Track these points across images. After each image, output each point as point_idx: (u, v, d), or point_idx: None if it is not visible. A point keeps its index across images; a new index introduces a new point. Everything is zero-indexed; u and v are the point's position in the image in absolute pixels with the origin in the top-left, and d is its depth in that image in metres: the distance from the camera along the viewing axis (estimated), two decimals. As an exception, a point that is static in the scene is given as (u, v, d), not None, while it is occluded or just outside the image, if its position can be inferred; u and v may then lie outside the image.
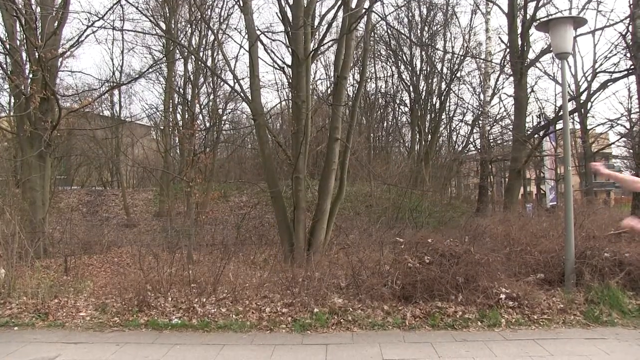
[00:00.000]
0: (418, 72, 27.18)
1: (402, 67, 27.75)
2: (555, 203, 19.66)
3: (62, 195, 23.39)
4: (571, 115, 19.65)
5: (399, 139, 32.03)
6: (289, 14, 11.41)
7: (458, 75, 25.97)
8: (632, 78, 15.09)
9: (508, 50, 18.98)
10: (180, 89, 22.94)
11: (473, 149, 26.96)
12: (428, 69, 26.65)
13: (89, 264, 11.55)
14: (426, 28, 26.91)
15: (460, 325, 5.68)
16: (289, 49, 11.52)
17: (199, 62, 20.61)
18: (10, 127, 17.08)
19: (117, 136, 23.70)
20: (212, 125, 22.04)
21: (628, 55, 13.37)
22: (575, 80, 23.26)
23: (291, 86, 12.29)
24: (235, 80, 12.80)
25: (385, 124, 30.99)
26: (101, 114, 25.37)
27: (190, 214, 14.21)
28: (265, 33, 12.23)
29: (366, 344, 5.24)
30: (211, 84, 23.66)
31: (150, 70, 19.70)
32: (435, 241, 6.77)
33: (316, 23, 12.67)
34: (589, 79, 20.52)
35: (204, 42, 22.07)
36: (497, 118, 23.48)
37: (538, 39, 23.87)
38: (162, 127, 24.52)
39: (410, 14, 26.37)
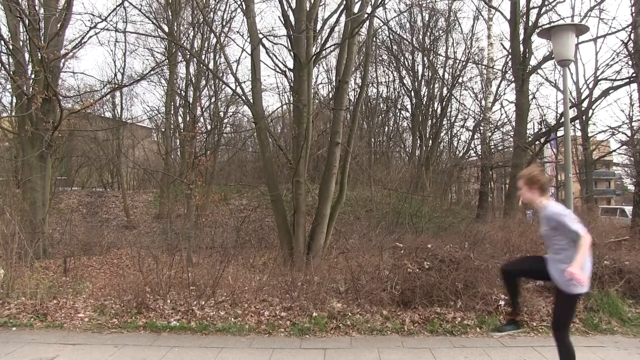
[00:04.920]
0: (420, 78, 27.23)
1: (404, 72, 27.82)
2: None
3: (62, 196, 23.40)
4: (572, 123, 19.68)
5: (400, 144, 32.05)
6: (292, 18, 11.44)
7: (460, 81, 26.05)
8: (634, 86, 15.15)
9: (510, 56, 19.03)
10: (182, 92, 22.93)
11: (474, 154, 27.01)
12: (430, 74, 26.71)
13: (88, 265, 11.53)
14: (428, 33, 26.97)
15: (459, 331, 5.68)
16: (291, 52, 11.54)
17: (201, 65, 20.64)
18: (12, 127, 17.09)
19: (118, 138, 23.70)
20: (213, 128, 22.08)
21: (630, 63, 13.41)
22: (576, 87, 23.33)
23: (293, 90, 12.29)
24: (237, 84, 12.82)
25: (386, 129, 31.03)
26: (102, 115, 25.39)
27: (190, 216, 14.20)
28: (268, 37, 12.25)
29: (365, 348, 5.23)
30: (213, 87, 23.69)
31: (152, 72, 19.71)
32: (435, 247, 6.77)
33: (318, 27, 12.70)
34: (590, 86, 20.56)
35: (206, 45, 22.13)
36: (498, 124, 23.55)
37: (540, 46, 24.01)
38: (163, 129, 24.52)
39: (412, 20, 26.48)
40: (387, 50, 26.88)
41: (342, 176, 11.50)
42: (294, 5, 11.37)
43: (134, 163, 25.47)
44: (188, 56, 20.91)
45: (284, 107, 23.35)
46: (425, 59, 26.10)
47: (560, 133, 16.88)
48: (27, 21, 11.10)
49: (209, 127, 22.48)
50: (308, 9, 11.22)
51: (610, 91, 15.66)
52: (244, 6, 11.83)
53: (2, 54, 12.31)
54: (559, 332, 3.77)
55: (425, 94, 27.33)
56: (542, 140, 18.28)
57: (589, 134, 23.33)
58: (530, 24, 16.69)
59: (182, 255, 9.61)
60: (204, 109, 23.32)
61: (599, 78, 18.12)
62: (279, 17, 12.90)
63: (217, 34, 17.80)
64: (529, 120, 19.71)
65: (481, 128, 23.73)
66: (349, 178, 13.92)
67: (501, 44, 22.86)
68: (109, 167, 28.60)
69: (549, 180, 3.77)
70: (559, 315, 3.84)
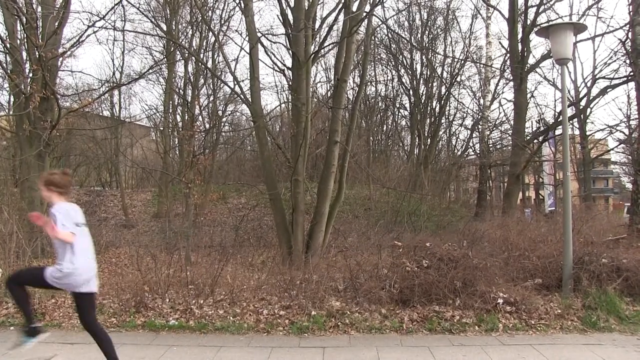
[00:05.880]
0: (418, 76, 27.23)
1: (402, 70, 27.83)
2: (553, 208, 19.69)
3: (60, 195, 23.31)
4: (570, 121, 19.70)
5: (399, 142, 32.09)
6: (290, 17, 11.42)
7: (458, 79, 26.06)
8: (632, 84, 15.11)
9: (508, 55, 19.05)
10: (180, 90, 22.92)
11: (472, 153, 27.04)
12: (428, 73, 26.71)
13: (87, 264, 11.50)
14: (427, 32, 26.98)
15: (458, 329, 5.68)
16: (290, 51, 11.54)
17: (200, 64, 20.62)
18: (10, 126, 17.05)
19: (117, 136, 23.68)
20: (211, 126, 22.04)
21: (627, 61, 13.38)
22: (575, 86, 23.34)
23: (291, 89, 12.30)
24: (236, 82, 12.82)
25: (384, 128, 31.02)
26: (101, 114, 25.37)
27: (189, 215, 14.20)
28: (266, 35, 12.24)
29: (363, 347, 5.23)
30: (211, 86, 23.68)
31: (150, 71, 19.72)
32: (434, 245, 6.78)
33: (317, 26, 12.70)
34: (588, 84, 20.61)
35: (204, 44, 22.11)
36: (496, 123, 23.57)
37: (538, 45, 24.16)
38: (161, 128, 24.51)
39: (411, 18, 26.47)
40: (386, 49, 26.88)
41: (341, 175, 11.50)
42: (292, 3, 11.36)
43: (133, 162, 25.45)
44: (186, 55, 20.89)
45: (283, 105, 23.33)
46: (423, 57, 26.11)
47: (558, 131, 16.88)
48: (24, 19, 11.09)
49: (207, 125, 22.43)
50: (306, 8, 11.21)
51: (608, 90, 15.67)
52: (243, 5, 11.83)
53: (-1, 52, 12.30)
54: (88, 327, 4.06)
55: (424, 92, 27.35)
56: (541, 138, 18.30)
57: (587, 133, 23.36)
58: (528, 22, 16.69)
59: (180, 254, 9.59)
60: (202, 108, 23.30)
61: (597, 77, 18.15)
62: (277, 15, 12.88)
63: (216, 33, 17.78)
64: (527, 119, 19.75)
65: (480, 126, 23.76)
66: (347, 177, 13.93)
67: (499, 42, 22.97)
68: (108, 166, 28.57)
69: (66, 182, 4.09)
70: (81, 314, 4.12)
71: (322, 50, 14.00)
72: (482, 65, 23.80)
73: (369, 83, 26.68)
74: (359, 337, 5.56)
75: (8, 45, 12.00)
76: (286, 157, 12.14)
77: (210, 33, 20.18)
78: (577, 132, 23.24)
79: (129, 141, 26.05)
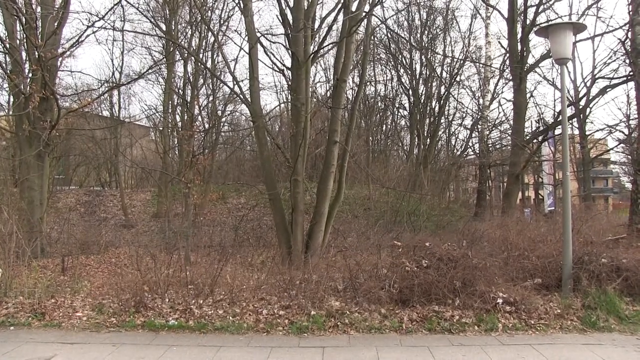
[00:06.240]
0: (417, 76, 27.22)
1: (402, 70, 27.82)
2: (553, 208, 19.70)
3: (60, 195, 23.33)
4: (570, 121, 19.73)
5: (398, 142, 32.07)
6: (289, 17, 11.42)
7: (457, 79, 26.04)
8: (631, 84, 15.13)
9: (508, 55, 19.05)
10: (180, 90, 22.90)
11: (472, 153, 27.01)
12: (427, 73, 26.70)
13: (87, 264, 11.51)
14: (426, 32, 26.95)
15: (457, 329, 5.69)
16: (289, 51, 11.52)
17: (199, 64, 20.59)
18: (9, 126, 17.04)
19: (116, 136, 23.65)
20: (211, 126, 21.99)
21: (627, 61, 13.39)
22: (574, 85, 23.37)
23: (291, 89, 12.29)
24: (235, 82, 12.82)
25: (384, 128, 31.01)
26: (100, 114, 25.33)
27: (188, 215, 14.17)
28: (266, 35, 12.22)
29: (363, 347, 5.24)
30: (210, 86, 23.64)
31: (149, 71, 19.70)
32: (433, 245, 6.79)
33: (316, 26, 12.67)
34: (588, 84, 20.67)
35: (203, 44, 22.06)
36: (496, 123, 23.55)
37: (538, 44, 24.25)
38: (161, 128, 24.47)
39: (410, 18, 26.45)
40: (385, 49, 26.89)
41: (340, 175, 11.50)
42: (291, 3, 11.35)
43: (132, 162, 25.40)
44: (186, 55, 20.89)
45: (282, 105, 23.31)
46: (423, 57, 26.09)
47: (557, 131, 16.88)
48: (24, 20, 11.08)
49: (206, 125, 22.37)
50: (306, 8, 11.20)
51: (607, 89, 15.70)
52: (242, 5, 11.81)
53: (-1, 52, 12.29)
54: None
55: (423, 92, 27.34)
56: (540, 138, 18.30)
57: (587, 132, 23.38)
58: (528, 22, 16.69)
59: (180, 254, 9.59)
60: (201, 108, 23.25)
61: (596, 76, 18.18)
62: (276, 15, 12.89)
63: (215, 33, 17.76)
64: (526, 119, 19.72)
65: (479, 126, 23.75)
66: (347, 176, 13.92)
67: (499, 42, 22.97)
68: (107, 166, 28.54)
69: None
70: None
71: (322, 50, 13.98)
72: (481, 65, 23.79)
73: (368, 83, 26.70)
74: (358, 337, 5.56)
75: (7, 46, 11.98)
76: (285, 157, 12.13)
77: (210, 33, 20.18)
78: (576, 131, 23.28)
79: (129, 141, 26.01)
